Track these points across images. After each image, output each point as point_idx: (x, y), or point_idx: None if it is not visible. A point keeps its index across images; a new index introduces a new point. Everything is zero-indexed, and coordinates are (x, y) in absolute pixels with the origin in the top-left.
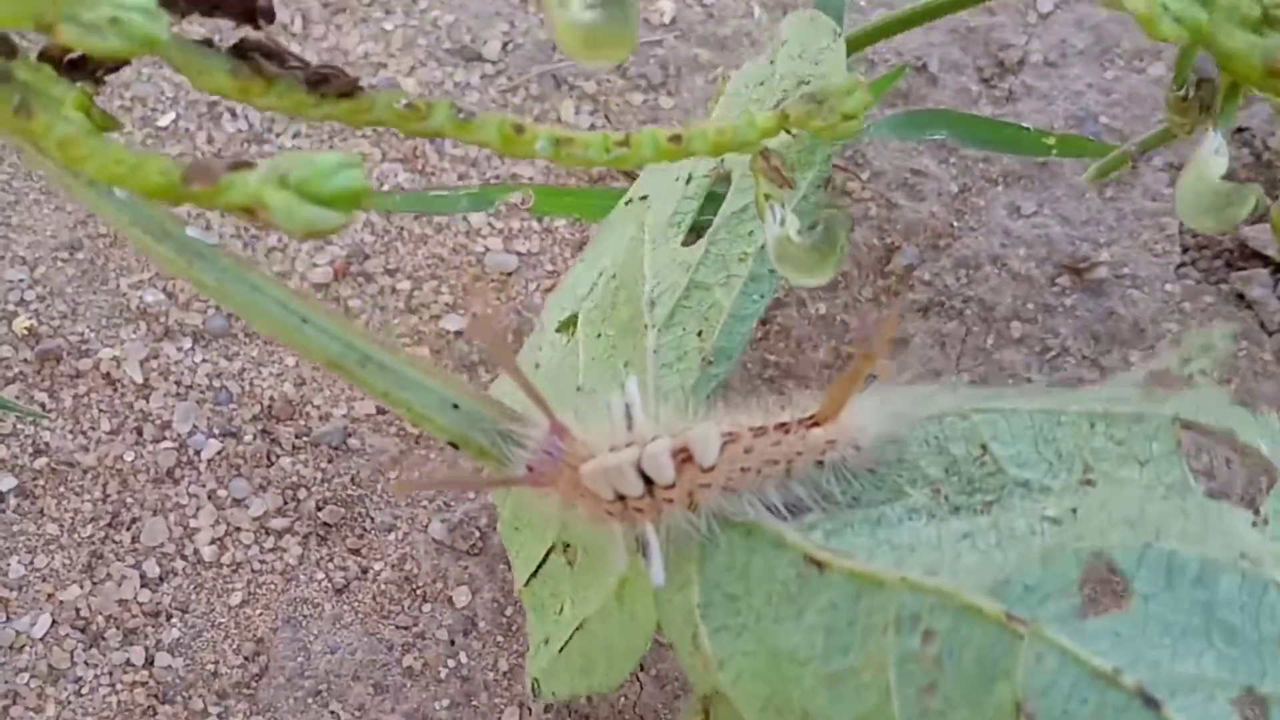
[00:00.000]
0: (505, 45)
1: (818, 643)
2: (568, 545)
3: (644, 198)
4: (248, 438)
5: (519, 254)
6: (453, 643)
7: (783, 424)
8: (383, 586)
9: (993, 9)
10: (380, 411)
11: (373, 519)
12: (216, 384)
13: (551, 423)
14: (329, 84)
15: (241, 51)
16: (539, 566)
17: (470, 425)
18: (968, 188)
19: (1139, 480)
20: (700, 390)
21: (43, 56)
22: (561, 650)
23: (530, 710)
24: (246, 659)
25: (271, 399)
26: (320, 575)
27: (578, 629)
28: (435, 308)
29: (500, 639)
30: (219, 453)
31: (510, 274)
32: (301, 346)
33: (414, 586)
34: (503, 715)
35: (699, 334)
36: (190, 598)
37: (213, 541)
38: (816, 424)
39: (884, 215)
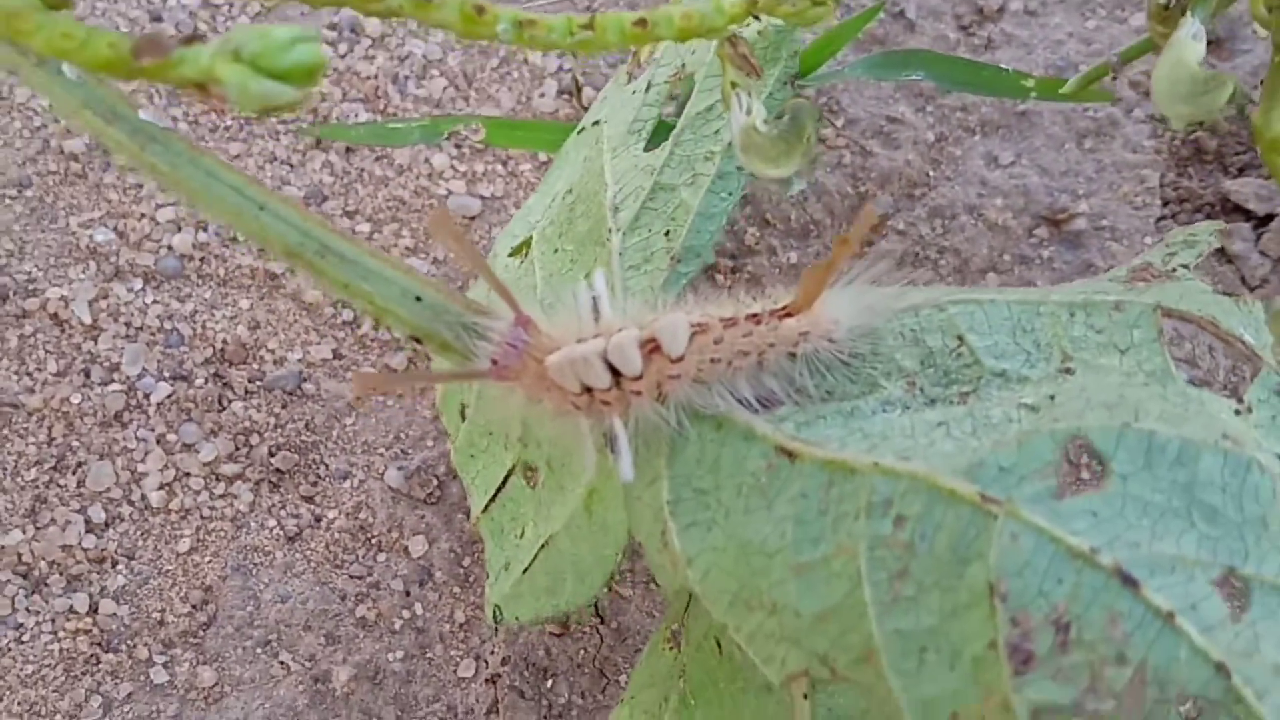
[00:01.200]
0: None
1: (787, 533)
2: (530, 466)
3: (596, 123)
4: (199, 381)
5: (482, 197)
6: (408, 593)
7: (754, 315)
8: (336, 535)
9: None
10: (336, 356)
11: (327, 466)
12: (168, 326)
13: (517, 315)
14: None
15: None
16: (497, 491)
17: (434, 318)
18: (944, 136)
19: (1119, 368)
20: (670, 289)
21: None
22: (525, 572)
23: (486, 662)
24: (194, 607)
25: (224, 342)
26: (272, 523)
27: (542, 547)
28: (396, 251)
29: (457, 590)
30: (169, 396)
31: (473, 217)
32: (258, 234)
33: (369, 536)
34: (458, 668)
35: (666, 234)
36: (137, 544)
37: (161, 487)
38: (789, 315)
39: (858, 163)
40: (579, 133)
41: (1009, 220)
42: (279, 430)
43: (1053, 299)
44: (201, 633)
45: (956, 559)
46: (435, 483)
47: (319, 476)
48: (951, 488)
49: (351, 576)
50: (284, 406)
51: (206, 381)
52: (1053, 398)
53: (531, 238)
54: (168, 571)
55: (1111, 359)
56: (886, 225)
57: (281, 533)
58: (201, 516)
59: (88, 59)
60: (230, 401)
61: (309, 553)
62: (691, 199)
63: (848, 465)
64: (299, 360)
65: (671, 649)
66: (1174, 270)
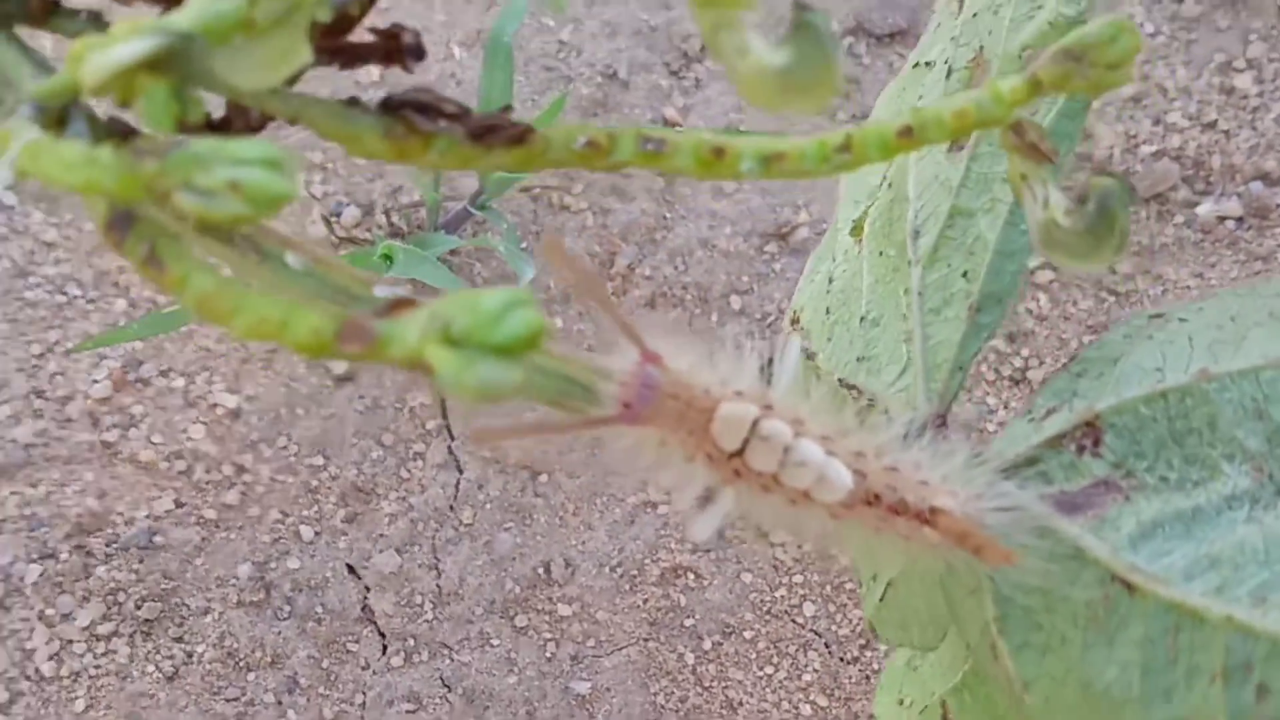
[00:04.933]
0: None
1: (1134, 682)
2: None
3: (929, 63)
4: (64, 555)
5: None
6: (280, 703)
7: (894, 505)
8: (209, 666)
9: (669, 3)
10: (178, 505)
11: (188, 606)
12: (27, 512)
13: (643, 351)
14: (496, 133)
15: (391, 108)
16: None
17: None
18: (672, 179)
19: None
20: (969, 346)
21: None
22: (881, 599)
23: None
24: None
25: (79, 515)
26: (151, 668)
27: (889, 585)
28: (211, 396)
29: (322, 690)
30: (41, 575)
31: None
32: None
33: (237, 660)
34: None
35: (964, 274)
36: (40, 713)
37: (50, 658)
38: (928, 523)
39: (600, 222)
40: (914, 68)
41: (739, 245)
42: (141, 584)
43: None
44: None
45: None
46: (285, 599)
47: (183, 617)
48: None
49: (228, 700)
50: (141, 561)
51: (70, 554)
52: None
53: (865, 221)
54: None
55: None
56: (635, 274)
57: (160, 675)
58: (89, 676)
59: (288, 343)
60: (94, 567)
61: (188, 687)
62: (989, 231)
63: (1196, 613)
64: (146, 516)
65: None
66: None
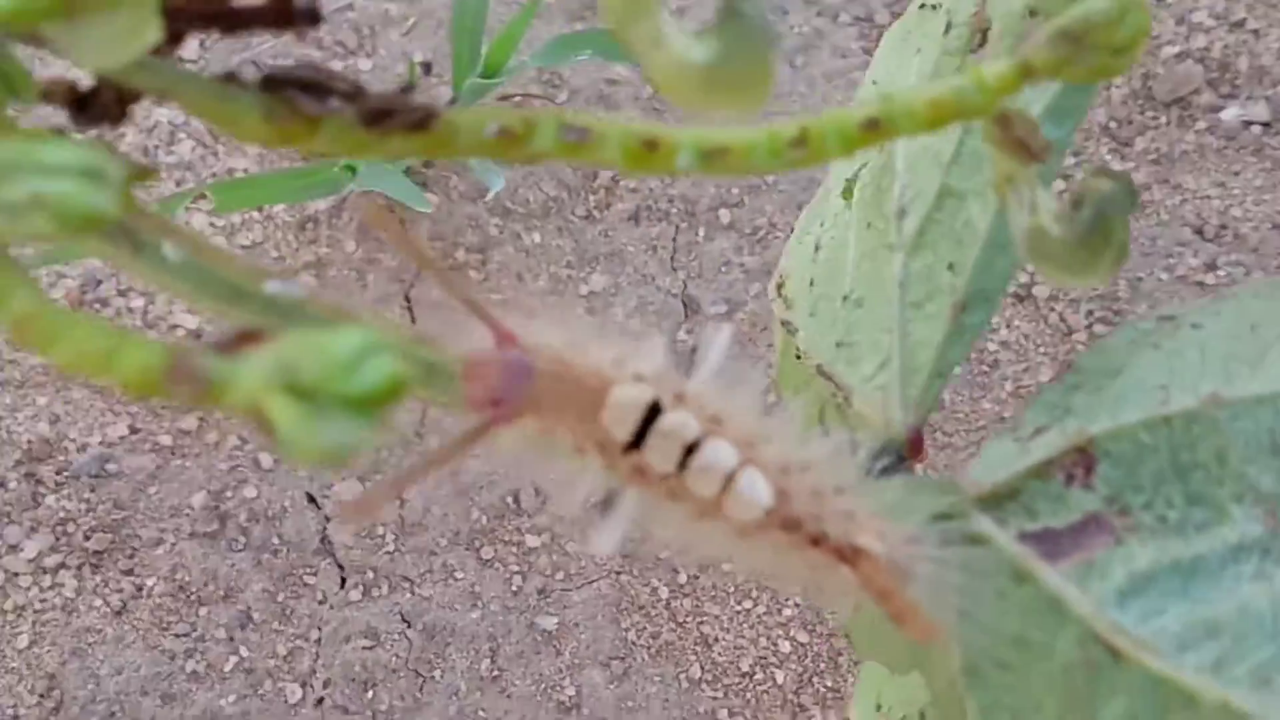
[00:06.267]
0: None
1: None
2: None
3: (935, 4)
4: (12, 484)
5: (243, 246)
6: (232, 639)
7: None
8: (159, 600)
9: None
10: (133, 431)
11: (140, 537)
12: None
13: (501, 332)
14: (393, 118)
15: (272, 86)
16: None
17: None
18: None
19: None
20: (952, 349)
21: None
22: (854, 610)
23: (313, 687)
24: (42, 696)
25: (29, 441)
26: (99, 602)
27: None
28: (172, 318)
29: (276, 625)
30: None
31: None
32: None
33: (188, 594)
34: (287, 697)
35: (950, 266)
36: None
37: None
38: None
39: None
40: (920, 6)
41: None
42: (91, 514)
43: None
44: (52, 719)
45: None
46: (240, 529)
47: (134, 549)
48: None
49: (177, 635)
50: (92, 490)
51: (19, 482)
52: None
53: (855, 183)
54: (13, 669)
55: None
56: (619, 187)
57: (109, 609)
58: (34, 610)
59: (114, 380)
60: (43, 497)
61: (136, 622)
62: (980, 218)
63: (1188, 694)
64: (100, 443)
65: None
66: None
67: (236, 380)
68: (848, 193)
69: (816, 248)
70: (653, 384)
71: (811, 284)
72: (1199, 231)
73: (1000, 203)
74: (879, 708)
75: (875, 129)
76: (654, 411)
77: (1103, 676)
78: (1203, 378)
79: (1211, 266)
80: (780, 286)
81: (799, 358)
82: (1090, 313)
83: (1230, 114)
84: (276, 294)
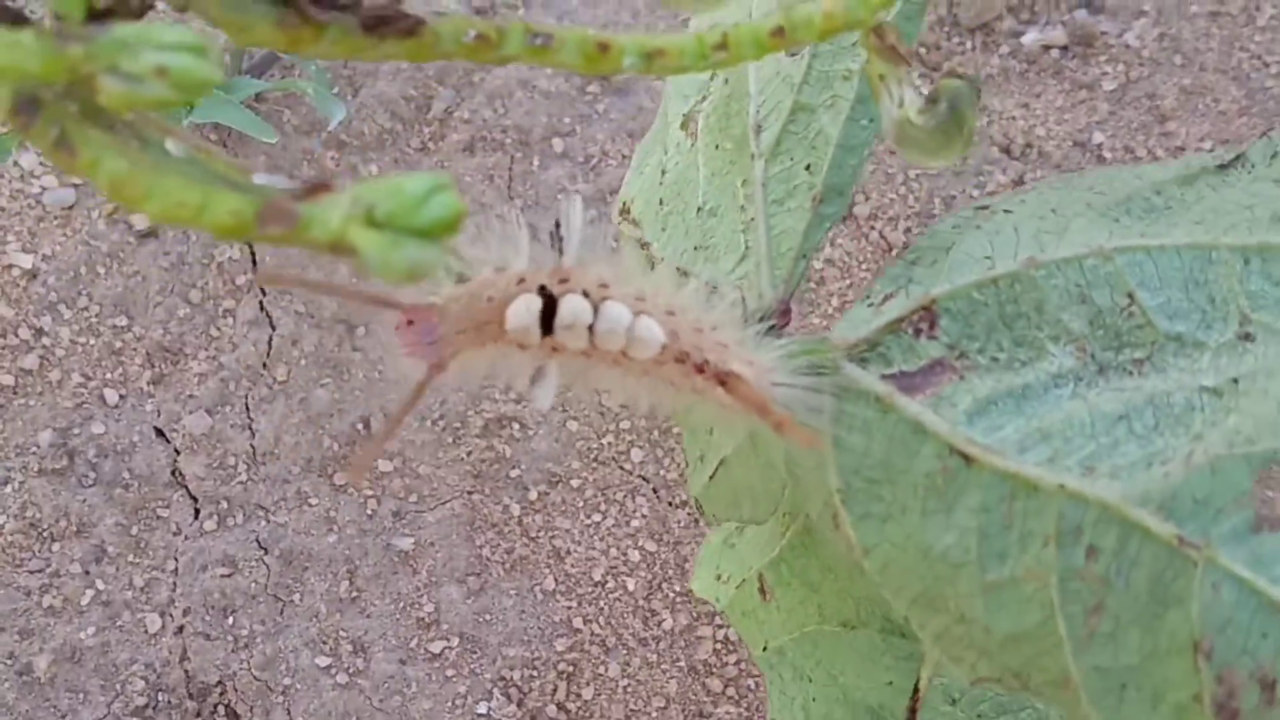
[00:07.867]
0: None
1: (971, 547)
2: None
3: None
4: None
5: (75, 185)
6: (87, 573)
7: (699, 364)
8: (10, 537)
9: None
10: None
11: None
12: None
13: (405, 309)
14: (389, 25)
15: None
16: None
17: None
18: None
19: None
20: (813, 235)
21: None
22: (711, 478)
23: (172, 616)
24: None
25: None
26: None
27: (720, 464)
28: (6, 256)
29: (131, 558)
30: None
31: (70, 207)
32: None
33: (40, 530)
34: (147, 627)
35: (807, 167)
36: None
37: None
38: (723, 384)
39: (414, 64)
40: None
41: (560, 85)
42: None
43: (1224, 242)
44: None
45: (1155, 600)
46: (89, 465)
47: None
48: (1145, 525)
49: (31, 572)
50: None
51: None
52: (1236, 382)
53: (698, 116)
54: None
55: None
56: (453, 118)
57: None
58: None
59: (206, 226)
60: None
61: None
62: (831, 127)
63: (1030, 482)
64: None
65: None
66: None
67: (323, 217)
68: (685, 124)
69: (663, 172)
70: (534, 280)
71: (661, 203)
72: (1006, 150)
73: (852, 105)
74: (719, 578)
75: (781, 36)
76: (549, 300)
77: (959, 478)
78: (1020, 246)
79: (1019, 182)
80: (625, 211)
81: (652, 268)
82: (908, 230)
83: (1030, 39)
84: (263, 184)
